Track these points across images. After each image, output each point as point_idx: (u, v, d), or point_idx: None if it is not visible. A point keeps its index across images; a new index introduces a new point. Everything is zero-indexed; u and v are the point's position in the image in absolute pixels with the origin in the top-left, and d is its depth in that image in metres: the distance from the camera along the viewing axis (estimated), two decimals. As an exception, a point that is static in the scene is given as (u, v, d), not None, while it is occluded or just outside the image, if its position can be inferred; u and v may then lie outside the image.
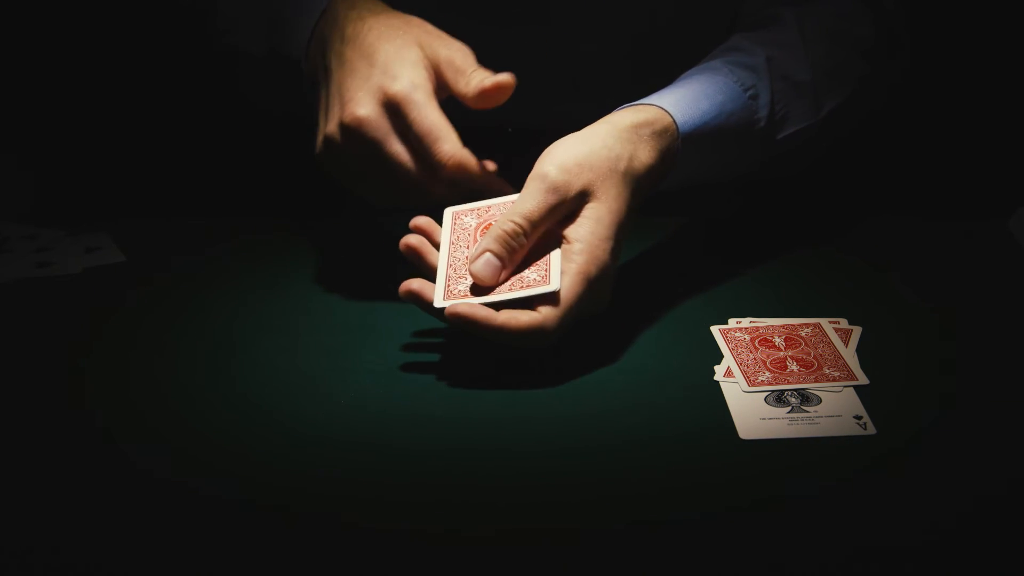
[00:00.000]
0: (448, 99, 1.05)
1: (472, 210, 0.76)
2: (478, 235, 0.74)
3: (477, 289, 0.70)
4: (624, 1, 0.96)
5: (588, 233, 0.71)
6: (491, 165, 0.78)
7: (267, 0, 0.88)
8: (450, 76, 0.76)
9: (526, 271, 0.71)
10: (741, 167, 0.87)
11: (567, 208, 0.71)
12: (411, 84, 0.74)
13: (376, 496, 0.60)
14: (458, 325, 0.69)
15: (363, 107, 0.74)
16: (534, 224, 0.70)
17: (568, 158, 0.72)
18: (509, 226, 0.70)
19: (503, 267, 0.70)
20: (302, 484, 0.61)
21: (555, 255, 0.71)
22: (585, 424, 0.66)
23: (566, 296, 0.69)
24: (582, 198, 0.72)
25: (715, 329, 0.75)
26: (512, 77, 0.75)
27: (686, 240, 0.92)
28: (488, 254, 0.70)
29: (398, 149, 0.75)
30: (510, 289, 0.70)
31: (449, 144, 0.74)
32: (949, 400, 0.68)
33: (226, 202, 0.98)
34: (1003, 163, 1.13)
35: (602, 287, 0.72)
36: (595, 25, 0.98)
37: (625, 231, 0.73)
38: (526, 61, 1.00)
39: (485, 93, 0.75)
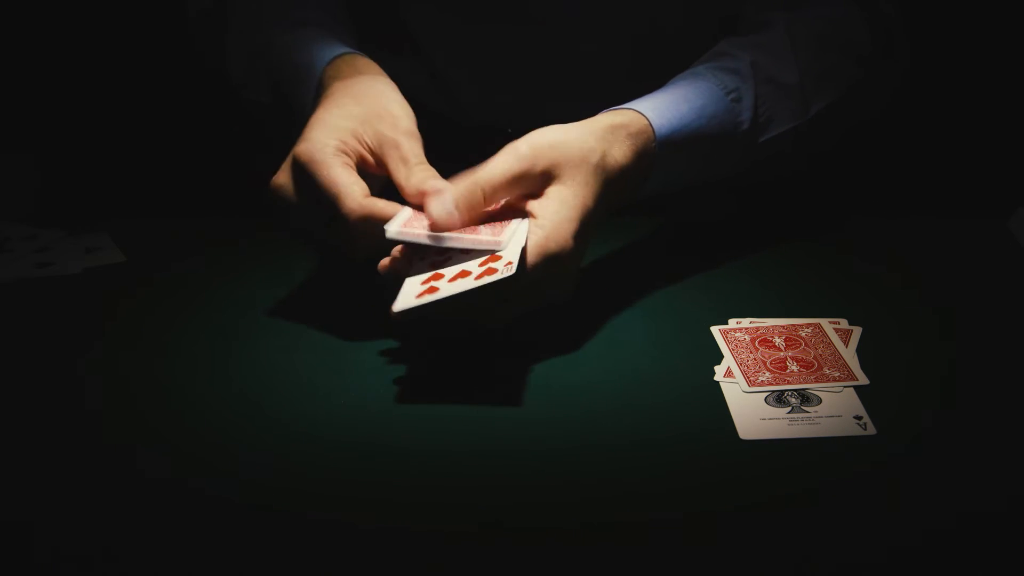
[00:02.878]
0: (447, 100, 1.06)
1: None
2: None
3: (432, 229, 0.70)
4: (624, 2, 0.96)
5: (552, 212, 0.71)
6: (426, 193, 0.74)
7: (271, 66, 0.89)
8: (391, 161, 0.74)
9: (483, 228, 0.71)
10: (728, 169, 0.87)
11: (531, 183, 0.72)
12: (316, 144, 0.73)
13: (376, 496, 0.60)
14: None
15: (279, 173, 0.75)
16: (493, 187, 0.71)
17: (541, 138, 0.73)
18: (468, 183, 0.71)
19: (456, 215, 0.70)
20: (302, 484, 0.61)
21: (518, 225, 0.71)
22: (585, 424, 0.66)
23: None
24: (547, 177, 0.72)
25: (715, 329, 0.75)
26: (450, 192, 0.71)
27: (686, 240, 0.92)
28: (447, 194, 0.70)
29: (308, 211, 0.74)
30: (460, 233, 0.70)
31: (350, 199, 0.71)
32: (949, 400, 0.68)
33: (226, 202, 0.98)
34: (1003, 163, 1.13)
35: (561, 269, 0.71)
36: (595, 26, 0.98)
37: (591, 221, 0.73)
38: (526, 61, 1.01)
39: (423, 195, 0.72)
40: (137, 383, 0.71)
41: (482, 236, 0.70)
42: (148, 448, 0.64)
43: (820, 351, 0.72)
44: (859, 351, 0.73)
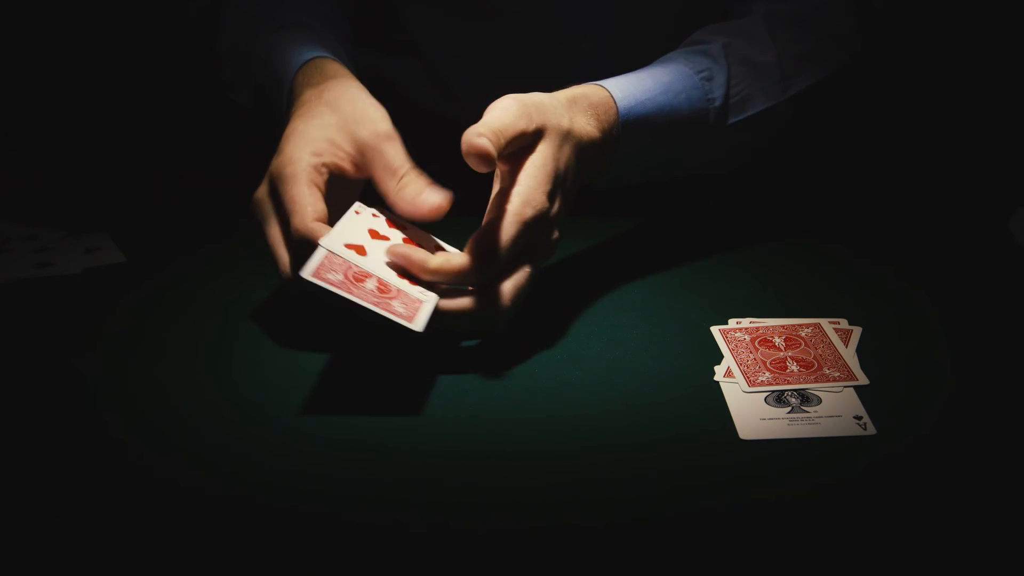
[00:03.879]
0: (446, 99, 1.05)
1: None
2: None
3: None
4: (624, 1, 0.97)
5: (528, 177, 0.71)
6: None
7: (255, 69, 0.89)
8: (376, 170, 0.73)
9: (401, 289, 0.69)
10: (707, 153, 0.87)
11: (526, 140, 0.71)
12: (287, 158, 0.72)
13: (376, 495, 0.60)
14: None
15: (259, 187, 0.75)
16: (506, 140, 0.69)
17: (528, 99, 0.72)
18: (481, 140, 0.68)
19: (492, 164, 0.68)
20: (302, 483, 0.61)
21: (429, 302, 0.69)
22: (585, 424, 0.66)
23: (504, 237, 0.69)
24: (537, 136, 0.72)
25: (715, 329, 0.76)
26: (448, 198, 0.71)
27: (686, 240, 0.92)
28: (485, 137, 0.67)
29: (276, 229, 0.73)
30: (374, 297, 0.67)
31: (297, 218, 0.70)
32: (949, 400, 0.68)
33: (226, 202, 0.98)
34: (1003, 163, 1.13)
35: (539, 233, 0.71)
36: (593, 24, 0.98)
37: (566, 185, 0.73)
38: (524, 60, 1.01)
39: (417, 210, 0.71)
40: (137, 383, 0.71)
41: (395, 306, 0.67)
42: (148, 448, 0.64)
43: (820, 351, 0.72)
44: (859, 351, 0.73)
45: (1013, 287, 0.83)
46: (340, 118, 0.75)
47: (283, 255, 0.72)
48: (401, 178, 0.72)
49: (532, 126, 0.71)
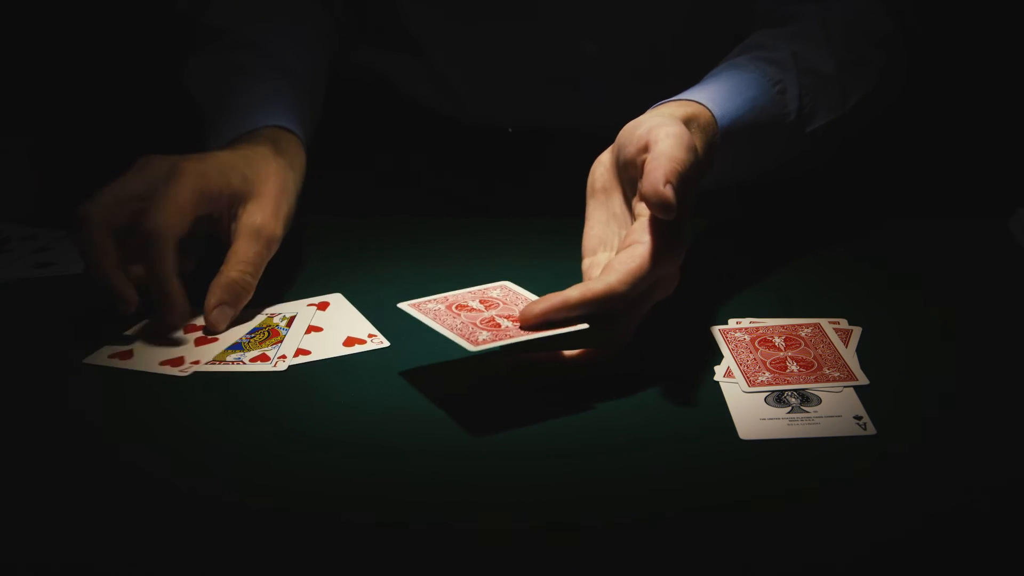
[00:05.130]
0: (446, 97, 1.05)
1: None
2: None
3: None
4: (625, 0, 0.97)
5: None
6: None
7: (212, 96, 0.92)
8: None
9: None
10: (770, 163, 0.87)
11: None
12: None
13: (376, 495, 0.60)
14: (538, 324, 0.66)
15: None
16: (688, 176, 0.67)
17: (685, 118, 0.71)
18: (677, 166, 0.66)
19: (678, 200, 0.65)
20: (302, 484, 0.61)
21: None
22: (585, 424, 0.66)
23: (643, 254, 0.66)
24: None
25: (715, 329, 0.76)
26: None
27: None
28: (671, 184, 0.65)
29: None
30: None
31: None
32: (949, 400, 0.68)
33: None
34: (1003, 163, 1.13)
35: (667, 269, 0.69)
36: (596, 24, 0.98)
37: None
38: (526, 60, 1.01)
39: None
40: (137, 383, 0.71)
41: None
42: (148, 448, 0.64)
43: (820, 351, 0.72)
44: (859, 351, 0.73)
45: (1013, 287, 0.83)
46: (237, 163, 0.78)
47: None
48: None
49: (697, 157, 0.69)
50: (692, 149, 0.68)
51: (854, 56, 0.90)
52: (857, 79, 0.89)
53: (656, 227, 0.67)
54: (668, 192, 0.64)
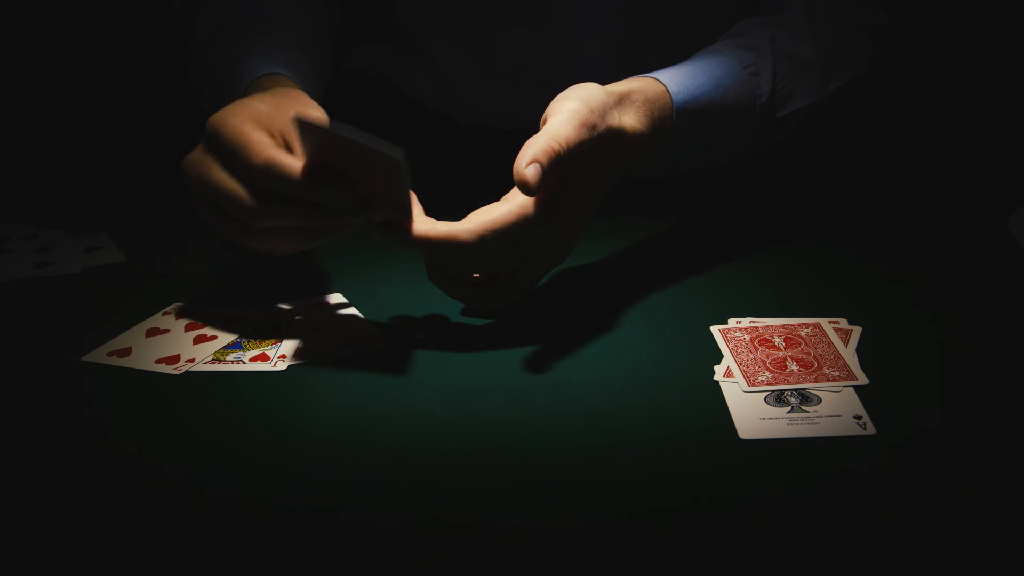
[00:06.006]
0: (446, 96, 1.05)
1: None
2: None
3: None
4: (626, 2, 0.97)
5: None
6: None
7: (217, 77, 0.88)
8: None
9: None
10: (746, 146, 0.88)
11: (583, 149, 0.72)
12: (225, 115, 0.70)
13: (376, 495, 0.60)
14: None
15: (192, 151, 0.71)
16: (571, 153, 0.70)
17: (594, 101, 0.73)
18: (555, 144, 0.70)
19: (543, 180, 0.68)
20: (302, 483, 0.61)
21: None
22: (585, 424, 0.66)
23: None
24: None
25: (715, 329, 0.75)
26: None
27: (686, 239, 0.92)
28: (536, 164, 0.68)
29: (217, 184, 0.69)
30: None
31: (256, 150, 0.66)
32: (949, 400, 0.68)
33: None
34: (1003, 163, 1.12)
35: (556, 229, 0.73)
36: (596, 24, 0.98)
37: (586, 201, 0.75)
38: (526, 60, 1.01)
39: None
40: (137, 383, 0.71)
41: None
42: (148, 448, 0.64)
43: (820, 351, 0.72)
44: (859, 351, 0.73)
45: (1013, 287, 0.83)
46: (278, 99, 0.73)
47: (240, 191, 0.68)
48: None
49: (596, 132, 0.72)
50: (588, 126, 0.71)
51: (839, 44, 0.90)
52: (841, 66, 0.90)
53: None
54: (527, 173, 0.68)
